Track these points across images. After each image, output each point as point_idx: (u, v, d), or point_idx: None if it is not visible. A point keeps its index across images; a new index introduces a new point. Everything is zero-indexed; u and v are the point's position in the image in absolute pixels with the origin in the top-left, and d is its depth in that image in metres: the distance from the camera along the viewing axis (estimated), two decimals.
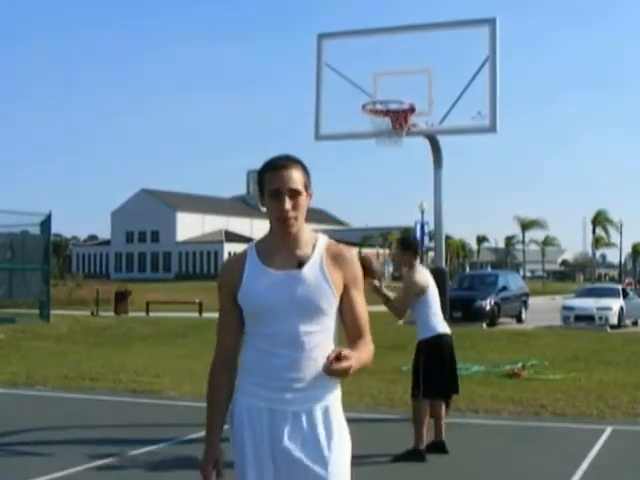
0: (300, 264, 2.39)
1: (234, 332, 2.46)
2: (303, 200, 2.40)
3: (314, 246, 2.44)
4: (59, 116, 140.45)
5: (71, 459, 6.07)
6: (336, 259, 2.43)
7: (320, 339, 2.38)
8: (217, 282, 2.51)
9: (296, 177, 2.38)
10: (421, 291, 6.10)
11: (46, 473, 5.66)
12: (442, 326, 6.21)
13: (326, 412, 2.39)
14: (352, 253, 2.50)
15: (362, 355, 2.38)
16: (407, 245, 6.25)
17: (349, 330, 2.49)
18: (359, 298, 2.48)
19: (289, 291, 2.36)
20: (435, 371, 6.08)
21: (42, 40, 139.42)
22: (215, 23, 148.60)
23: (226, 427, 2.47)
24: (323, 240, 2.47)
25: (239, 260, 2.46)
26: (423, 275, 6.16)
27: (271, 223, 2.43)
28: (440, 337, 6.13)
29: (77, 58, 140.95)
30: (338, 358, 2.25)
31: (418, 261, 6.24)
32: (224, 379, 2.45)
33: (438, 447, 6.24)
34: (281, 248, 2.42)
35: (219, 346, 2.49)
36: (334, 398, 2.42)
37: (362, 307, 2.49)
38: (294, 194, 2.37)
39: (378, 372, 9.97)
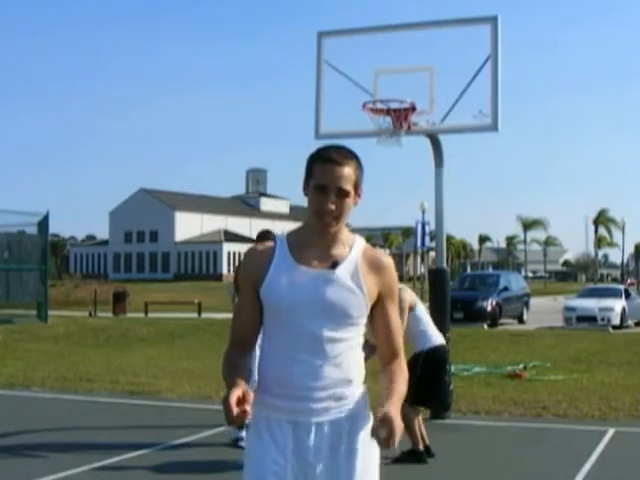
0: (334, 264, 2.22)
1: (251, 328, 2.28)
2: (349, 202, 2.21)
3: (351, 247, 2.27)
4: (57, 115, 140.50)
5: (69, 461, 6.04)
6: (372, 264, 2.25)
7: (345, 348, 2.21)
8: (239, 271, 2.33)
9: (347, 175, 2.19)
10: (410, 308, 6.19)
11: (43, 475, 5.62)
12: (439, 337, 6.28)
13: (352, 422, 2.23)
14: (390, 260, 2.31)
15: (400, 394, 2.22)
16: None
17: (381, 345, 2.33)
18: (393, 311, 2.31)
19: (318, 292, 2.19)
20: (431, 384, 6.14)
21: (41, 40, 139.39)
22: (214, 22, 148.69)
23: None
24: (360, 242, 2.30)
25: (266, 250, 2.27)
26: (408, 292, 6.26)
27: (309, 216, 2.25)
28: (438, 349, 6.21)
29: (75, 57, 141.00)
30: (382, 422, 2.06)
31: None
32: (242, 356, 2.25)
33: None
34: (315, 245, 2.24)
35: (233, 340, 2.30)
36: (362, 408, 2.26)
37: (396, 321, 2.33)
38: (342, 194, 2.19)
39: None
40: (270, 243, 2.30)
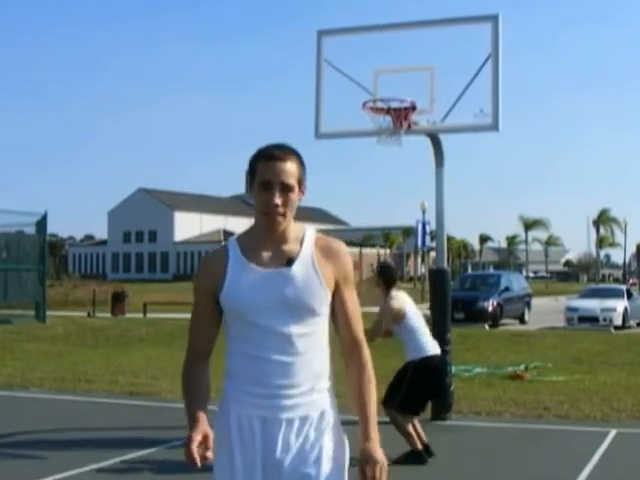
0: (289, 261, 2.23)
1: (210, 335, 2.29)
2: (294, 196, 2.23)
3: (302, 241, 2.27)
4: (56, 115, 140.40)
5: (67, 462, 6.02)
6: (326, 253, 2.26)
7: (313, 341, 2.24)
8: (194, 280, 2.32)
9: (290, 170, 2.21)
10: (398, 316, 6.10)
11: (42, 476, 5.60)
12: (431, 347, 6.17)
13: (321, 417, 2.25)
14: (342, 246, 2.33)
15: (374, 414, 2.28)
16: (382, 273, 6.27)
17: (341, 331, 2.33)
18: (351, 295, 2.31)
19: (278, 290, 2.20)
20: (417, 394, 6.10)
21: (41, 40, 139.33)
22: (214, 22, 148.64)
23: None
24: (311, 234, 2.30)
25: (220, 256, 2.27)
26: (398, 300, 6.16)
27: (256, 216, 2.26)
28: (429, 359, 6.11)
29: (74, 57, 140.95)
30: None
31: (394, 289, 6.23)
32: (201, 369, 2.27)
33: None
34: (266, 244, 2.25)
35: (192, 349, 2.30)
36: (329, 402, 2.29)
37: (354, 305, 2.33)
38: (286, 188, 2.20)
39: (375, 375, 9.87)
40: (221, 249, 2.30)
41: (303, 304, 2.21)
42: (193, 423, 2.15)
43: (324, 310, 2.27)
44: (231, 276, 2.23)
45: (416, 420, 6.22)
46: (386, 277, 6.23)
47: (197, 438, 2.10)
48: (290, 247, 2.26)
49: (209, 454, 2.11)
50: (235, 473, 2.22)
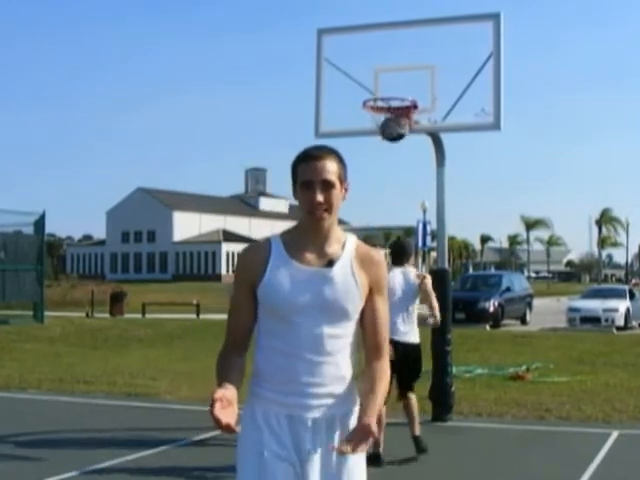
0: (330, 262, 2.28)
1: (247, 327, 2.32)
2: (337, 193, 2.27)
3: (344, 245, 2.33)
4: (53, 114, 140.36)
5: (66, 464, 6.00)
6: (364, 260, 2.32)
7: (343, 344, 2.29)
8: (235, 269, 2.38)
9: (330, 168, 2.26)
10: None
11: (40, 478, 5.57)
12: (398, 333, 6.03)
13: (345, 418, 2.30)
14: (381, 256, 2.39)
15: (380, 404, 2.27)
16: (392, 249, 6.35)
17: (367, 338, 2.37)
18: (382, 305, 2.37)
19: (317, 290, 2.24)
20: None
21: (39, 39, 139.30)
22: (213, 22, 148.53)
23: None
24: (353, 239, 2.36)
25: (263, 248, 2.31)
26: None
27: (302, 215, 2.31)
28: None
29: (73, 57, 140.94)
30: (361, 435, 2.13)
31: (403, 266, 6.23)
32: (236, 357, 2.29)
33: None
34: (310, 243, 2.29)
35: (229, 339, 2.33)
36: (354, 403, 2.34)
37: (384, 315, 2.38)
38: (327, 186, 2.25)
39: None
40: (264, 242, 2.34)
41: (339, 306, 2.26)
42: (218, 388, 2.15)
43: (357, 315, 2.31)
44: (271, 270, 2.26)
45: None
46: (393, 253, 6.26)
47: (217, 403, 2.07)
48: (333, 249, 2.31)
49: (233, 410, 2.10)
50: (267, 468, 2.21)
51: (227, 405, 2.09)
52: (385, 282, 2.37)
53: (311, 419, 2.25)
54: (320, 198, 2.24)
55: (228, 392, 2.11)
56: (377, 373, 2.32)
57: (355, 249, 2.33)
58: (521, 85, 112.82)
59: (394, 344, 5.91)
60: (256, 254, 2.31)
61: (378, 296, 2.34)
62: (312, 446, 2.25)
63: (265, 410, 2.26)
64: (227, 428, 2.06)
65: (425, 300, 6.27)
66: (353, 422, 2.27)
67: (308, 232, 2.30)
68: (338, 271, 2.27)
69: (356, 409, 2.33)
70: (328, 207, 2.26)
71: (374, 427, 2.17)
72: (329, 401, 2.26)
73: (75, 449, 6.55)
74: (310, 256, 2.28)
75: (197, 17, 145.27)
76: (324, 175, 2.25)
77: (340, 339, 2.27)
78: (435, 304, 6.25)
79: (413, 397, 6.25)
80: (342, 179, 2.29)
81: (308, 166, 2.26)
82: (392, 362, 6.07)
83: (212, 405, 2.06)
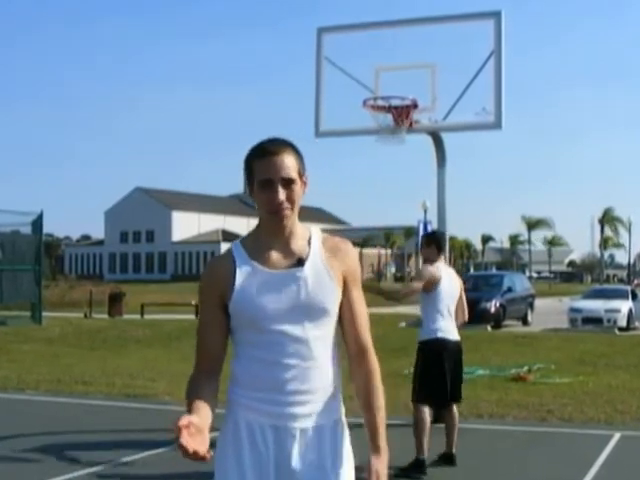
0: (300, 261, 2.14)
1: (220, 344, 2.17)
2: (298, 189, 2.14)
3: (309, 240, 2.19)
4: (51, 114, 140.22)
5: (63, 466, 5.97)
6: (334, 252, 2.19)
7: (325, 345, 2.17)
8: (200, 288, 2.19)
9: (289, 163, 2.12)
10: (429, 284, 5.89)
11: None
12: (445, 330, 5.94)
13: (335, 427, 2.18)
14: (349, 245, 2.26)
15: (384, 429, 2.21)
16: (428, 241, 6.13)
17: (348, 333, 2.24)
18: (358, 295, 2.24)
19: (292, 292, 2.11)
20: (431, 376, 5.89)
21: (37, 38, 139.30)
22: (212, 18, 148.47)
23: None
24: (317, 233, 2.23)
25: (226, 261, 2.16)
26: (437, 269, 5.96)
27: (261, 217, 2.17)
28: (438, 341, 5.90)
29: (71, 55, 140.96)
30: None
31: (441, 259, 6.09)
32: (207, 382, 2.12)
33: (446, 459, 6.07)
34: (273, 244, 2.16)
35: (200, 363, 2.16)
36: (341, 410, 2.23)
37: (362, 306, 2.25)
38: (288, 183, 2.11)
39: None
40: (225, 254, 2.20)
41: (317, 304, 2.13)
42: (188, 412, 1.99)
43: (336, 310, 2.19)
44: (240, 281, 2.13)
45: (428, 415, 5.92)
46: (431, 244, 6.05)
47: (182, 423, 1.85)
48: (299, 246, 2.17)
49: (202, 444, 1.88)
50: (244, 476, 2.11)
51: (196, 433, 1.87)
52: (358, 270, 2.25)
53: (299, 429, 2.12)
54: (282, 197, 2.10)
55: (195, 419, 1.90)
56: (370, 394, 2.21)
57: (322, 243, 2.20)
58: (521, 84, 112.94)
59: (446, 343, 5.88)
60: (220, 268, 2.16)
61: (353, 286, 2.22)
62: (300, 459, 2.12)
63: (248, 421, 2.13)
64: (195, 456, 1.86)
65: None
66: (343, 429, 2.20)
67: (270, 233, 2.16)
68: (309, 269, 2.14)
69: (343, 418, 2.23)
70: (290, 205, 2.12)
71: (384, 471, 2.13)
72: (317, 409, 2.14)
73: (73, 450, 6.51)
74: (277, 258, 2.15)
75: (196, 16, 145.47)
76: (284, 172, 2.10)
77: (323, 340, 2.16)
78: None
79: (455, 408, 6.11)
80: (301, 173, 2.16)
81: (265, 163, 2.11)
82: (442, 365, 5.85)
83: (178, 433, 1.85)
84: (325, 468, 2.14)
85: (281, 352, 2.11)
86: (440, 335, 5.90)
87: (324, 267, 2.15)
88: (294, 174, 2.12)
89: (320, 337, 2.15)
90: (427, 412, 5.85)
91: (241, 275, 2.12)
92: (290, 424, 2.12)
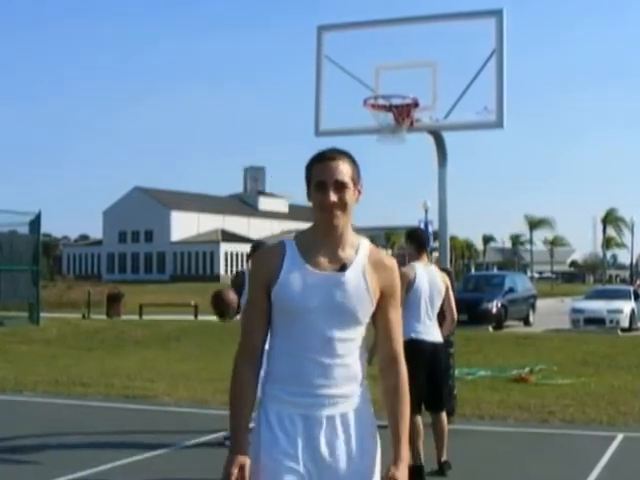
0: (343, 267, 2.32)
1: (262, 327, 2.37)
2: (350, 194, 2.32)
3: (357, 249, 2.37)
4: (50, 113, 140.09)
5: (62, 467, 5.95)
6: (377, 266, 2.36)
7: (353, 347, 2.34)
8: (251, 270, 2.44)
9: (343, 169, 2.32)
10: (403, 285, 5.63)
11: None
12: (420, 331, 5.71)
13: (359, 414, 2.34)
14: (393, 262, 2.43)
15: (407, 438, 2.37)
16: (408, 239, 5.99)
17: (381, 343, 2.42)
18: (394, 309, 2.41)
19: (328, 294, 2.29)
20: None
21: (37, 37, 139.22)
22: (212, 17, 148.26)
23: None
24: (366, 244, 2.40)
25: (278, 251, 2.36)
26: (412, 269, 5.76)
27: (315, 217, 2.35)
28: (412, 342, 5.50)
29: (71, 55, 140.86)
30: None
31: (424, 258, 5.90)
32: (251, 377, 2.34)
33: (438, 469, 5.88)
34: (323, 246, 2.34)
35: (245, 341, 2.37)
36: (365, 400, 2.39)
37: (397, 320, 2.42)
38: (340, 187, 2.30)
39: None
40: (278, 244, 2.39)
41: (349, 311, 2.30)
42: (233, 448, 2.27)
43: (367, 320, 2.36)
44: (286, 273, 2.31)
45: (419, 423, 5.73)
46: (413, 241, 5.88)
47: (234, 472, 2.22)
48: (346, 253, 2.34)
49: None
50: (280, 470, 2.26)
51: (239, 473, 2.23)
52: (398, 287, 2.40)
53: (325, 417, 2.29)
54: (334, 198, 2.28)
55: (247, 465, 2.23)
56: (397, 404, 2.37)
57: (368, 254, 2.37)
58: (521, 84, 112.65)
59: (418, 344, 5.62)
60: (271, 256, 2.35)
61: (391, 301, 2.38)
62: (327, 445, 2.28)
63: (278, 411, 2.30)
64: None
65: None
66: (367, 422, 2.34)
67: (322, 234, 2.34)
68: (350, 276, 2.31)
69: (369, 409, 2.38)
70: (342, 207, 2.30)
71: (402, 474, 2.28)
72: (341, 400, 2.31)
73: (72, 452, 6.49)
74: (323, 260, 2.32)
75: (196, 15, 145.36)
76: (337, 176, 2.30)
77: (349, 342, 2.32)
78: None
79: (444, 415, 5.91)
80: (355, 181, 2.34)
81: (322, 167, 2.32)
82: (413, 368, 5.76)
83: (230, 470, 2.22)
84: (350, 454, 2.29)
85: (307, 346, 2.28)
86: (413, 336, 5.66)
87: (363, 278, 2.32)
88: (347, 179, 2.31)
89: (346, 339, 2.31)
90: (417, 417, 5.64)
91: (287, 268, 2.31)
92: (317, 412, 2.29)
